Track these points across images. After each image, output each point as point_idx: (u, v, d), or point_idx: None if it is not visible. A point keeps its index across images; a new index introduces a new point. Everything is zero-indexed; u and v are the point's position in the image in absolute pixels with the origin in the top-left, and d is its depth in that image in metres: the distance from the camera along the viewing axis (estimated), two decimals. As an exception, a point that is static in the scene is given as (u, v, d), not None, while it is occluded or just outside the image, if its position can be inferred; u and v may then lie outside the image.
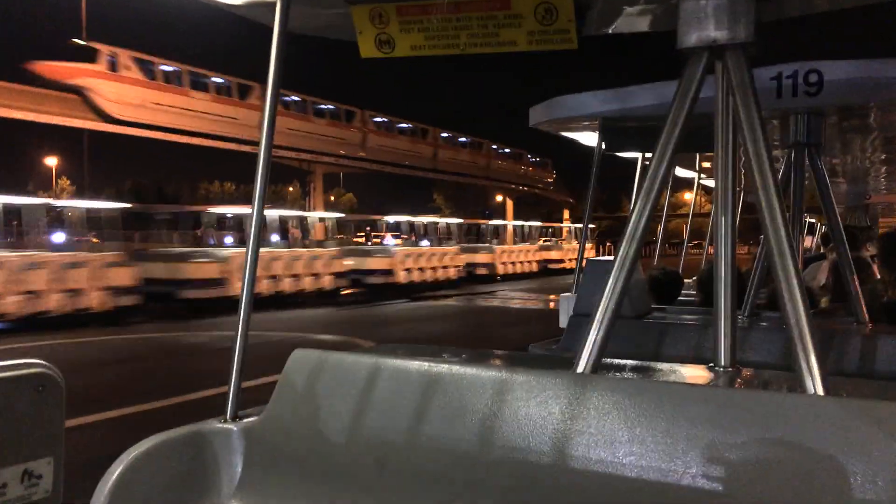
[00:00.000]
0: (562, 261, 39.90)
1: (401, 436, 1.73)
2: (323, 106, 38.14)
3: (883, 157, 5.66)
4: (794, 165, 3.60)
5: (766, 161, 1.69)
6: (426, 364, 1.80)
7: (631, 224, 1.79)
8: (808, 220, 11.62)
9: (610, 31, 2.15)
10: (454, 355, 2.01)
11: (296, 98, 35.66)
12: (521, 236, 41.87)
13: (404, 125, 44.07)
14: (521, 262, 36.49)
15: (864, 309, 3.71)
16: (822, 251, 7.62)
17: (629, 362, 2.04)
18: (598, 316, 1.76)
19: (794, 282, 1.62)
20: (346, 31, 2.07)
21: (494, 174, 51.87)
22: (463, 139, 49.54)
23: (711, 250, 2.18)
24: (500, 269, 34.06)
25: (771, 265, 1.67)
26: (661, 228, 6.89)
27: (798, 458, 1.35)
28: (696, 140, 1.96)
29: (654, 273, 4.59)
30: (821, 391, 1.52)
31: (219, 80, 32.39)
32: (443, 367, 1.77)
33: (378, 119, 42.04)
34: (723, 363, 1.85)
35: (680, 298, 4.69)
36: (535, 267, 37.72)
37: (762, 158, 1.69)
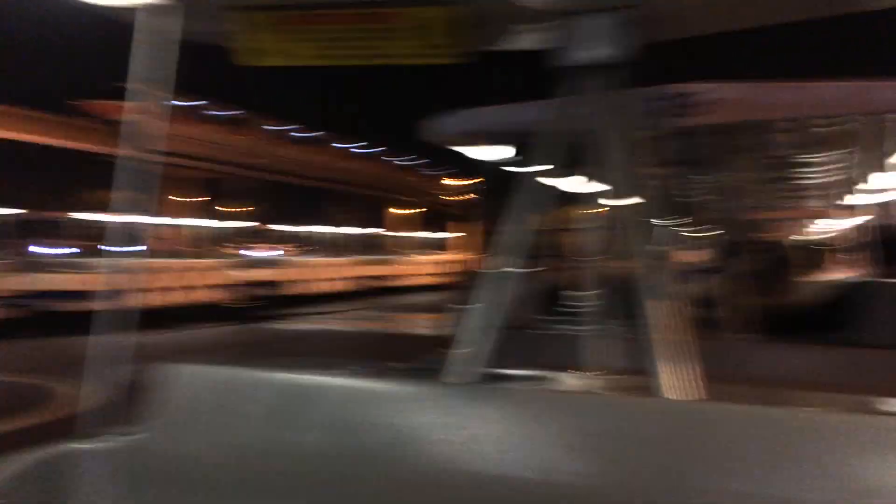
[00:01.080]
0: (401, 277, 33.42)
1: (280, 447, 1.72)
2: (211, 112, 37.14)
3: (762, 175, 5.98)
4: (671, 182, 3.79)
5: (635, 178, 1.77)
6: (305, 376, 1.80)
7: (508, 237, 1.84)
8: (692, 233, 12.15)
9: (492, 48, 2.20)
10: (333, 367, 2.00)
11: (179, 103, 34.63)
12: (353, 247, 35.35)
13: (306, 134, 43.35)
14: (328, 280, 28.45)
15: (744, 319, 3.93)
16: (711, 264, 7.99)
17: (512, 372, 2.09)
18: (480, 327, 1.80)
19: (658, 292, 1.70)
20: (222, 38, 2.04)
21: (384, 185, 51.53)
22: (357, 149, 49.14)
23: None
24: (301, 289, 25.83)
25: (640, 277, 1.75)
26: (559, 241, 7.05)
27: (660, 455, 1.42)
28: (578, 156, 2.03)
29: (541, 284, 4.70)
30: (680, 396, 1.61)
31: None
32: (320, 379, 1.77)
33: (271, 127, 41.21)
34: (598, 370, 1.93)
35: (570, 309, 4.81)
36: (347, 286, 29.09)
37: (630, 176, 1.77)
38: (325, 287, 27.23)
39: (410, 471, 1.59)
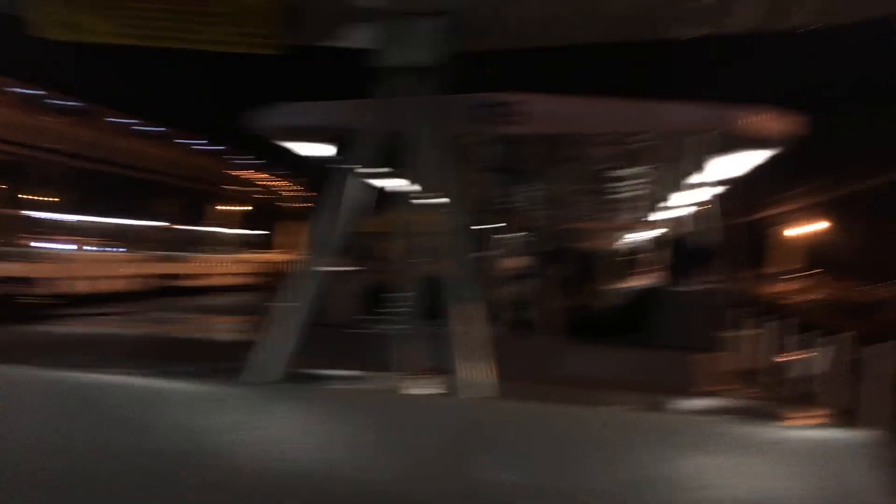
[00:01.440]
0: (203, 276, 31.04)
1: (60, 445, 1.62)
2: (49, 101, 33.47)
3: (577, 187, 6.30)
4: (489, 188, 3.92)
5: (452, 182, 1.81)
6: (87, 375, 1.70)
7: (320, 236, 1.83)
8: (510, 239, 12.52)
9: (313, 43, 2.18)
10: (126, 368, 1.91)
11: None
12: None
13: (150, 128, 40.10)
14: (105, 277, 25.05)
15: (553, 322, 4.12)
16: (526, 270, 8.27)
17: (319, 372, 2.08)
18: (284, 326, 1.78)
19: (467, 294, 1.76)
20: (17, 6, 1.88)
21: (211, 180, 49.04)
22: (200, 145, 46.20)
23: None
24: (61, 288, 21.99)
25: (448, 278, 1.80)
26: (382, 242, 7.06)
27: (453, 451, 1.47)
28: (397, 158, 2.05)
29: (367, 284, 4.71)
30: (477, 394, 1.66)
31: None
32: (103, 379, 1.69)
33: (115, 119, 37.73)
34: (406, 370, 1.96)
35: (389, 309, 4.85)
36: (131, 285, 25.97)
37: (447, 180, 1.81)
38: (101, 286, 24.02)
39: (198, 469, 1.54)
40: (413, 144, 1.98)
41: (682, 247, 4.51)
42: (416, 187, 2.03)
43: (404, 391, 1.86)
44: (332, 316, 1.87)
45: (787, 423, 1.75)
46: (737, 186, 5.10)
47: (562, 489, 1.43)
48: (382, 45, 1.88)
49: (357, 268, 6.14)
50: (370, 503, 1.48)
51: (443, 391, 1.90)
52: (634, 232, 12.85)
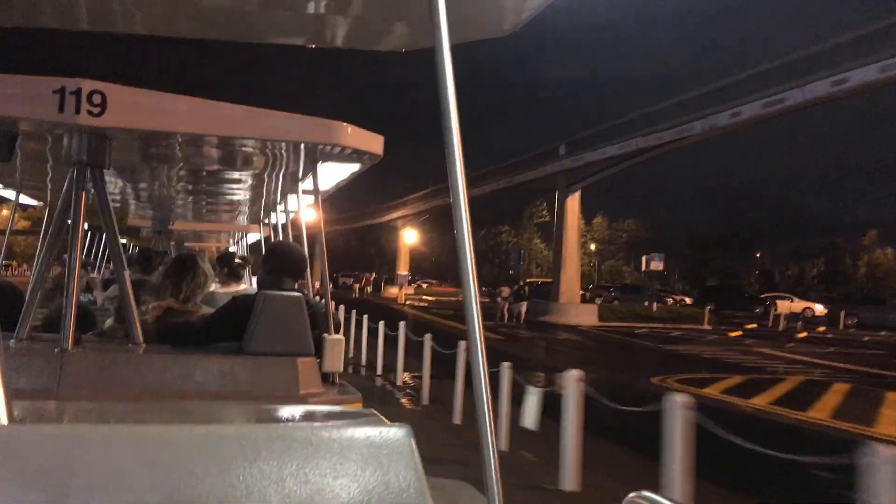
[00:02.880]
0: None
1: None
2: None
3: (184, 186, 6.11)
4: (75, 184, 3.61)
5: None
6: None
7: None
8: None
9: None
10: None
11: None
12: None
13: None
14: None
15: (140, 331, 3.92)
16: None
17: None
18: None
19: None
20: None
21: None
22: None
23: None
24: None
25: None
26: None
27: None
28: None
29: None
30: (3, 420, 1.51)
31: None
32: None
33: None
34: None
35: None
36: None
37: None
38: None
39: None
40: None
41: (279, 253, 4.60)
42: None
43: None
44: None
45: (353, 422, 1.86)
46: (340, 197, 5.40)
47: None
48: None
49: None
50: None
51: None
52: (234, 237, 12.88)
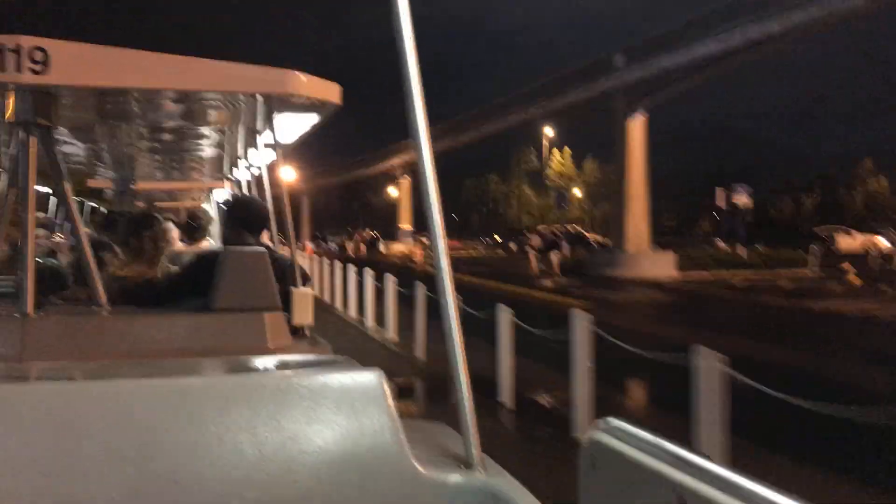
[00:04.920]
0: None
1: None
2: None
3: (139, 143, 6.02)
4: (22, 146, 3.56)
5: None
6: None
7: None
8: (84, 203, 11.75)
9: None
10: None
11: None
12: None
13: None
14: None
15: (103, 292, 3.91)
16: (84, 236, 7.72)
17: None
18: None
19: None
20: None
21: None
22: None
23: None
24: None
25: None
26: None
27: None
28: None
29: None
30: None
31: None
32: None
33: None
34: None
35: None
36: None
37: None
38: None
39: None
40: None
41: (240, 208, 4.58)
42: None
43: None
44: None
45: (324, 368, 1.90)
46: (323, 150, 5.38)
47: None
48: None
49: None
50: None
51: None
52: (196, 194, 12.78)
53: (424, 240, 70.41)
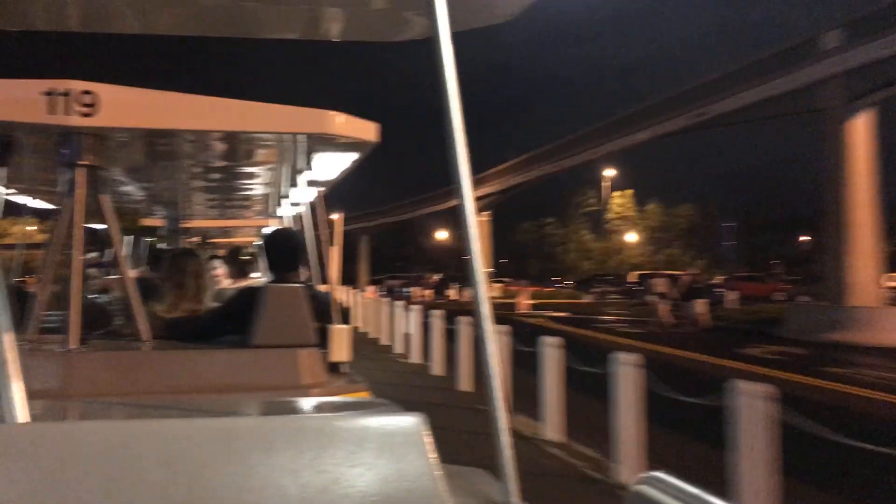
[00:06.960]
0: None
1: None
2: None
3: (184, 183, 6.23)
4: (70, 186, 3.72)
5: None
6: None
7: None
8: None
9: None
10: None
11: None
12: None
13: None
14: None
15: (146, 328, 4.04)
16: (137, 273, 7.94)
17: None
18: None
19: None
20: None
21: None
22: None
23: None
24: None
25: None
26: None
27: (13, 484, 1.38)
28: None
29: None
30: (24, 419, 1.58)
31: None
32: None
33: None
34: None
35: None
36: None
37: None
38: None
39: None
40: None
41: (279, 244, 4.69)
42: None
43: None
44: None
45: (367, 411, 1.92)
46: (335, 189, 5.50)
47: None
48: None
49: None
50: None
51: None
52: (247, 231, 13.00)
53: (502, 285, 65.02)
